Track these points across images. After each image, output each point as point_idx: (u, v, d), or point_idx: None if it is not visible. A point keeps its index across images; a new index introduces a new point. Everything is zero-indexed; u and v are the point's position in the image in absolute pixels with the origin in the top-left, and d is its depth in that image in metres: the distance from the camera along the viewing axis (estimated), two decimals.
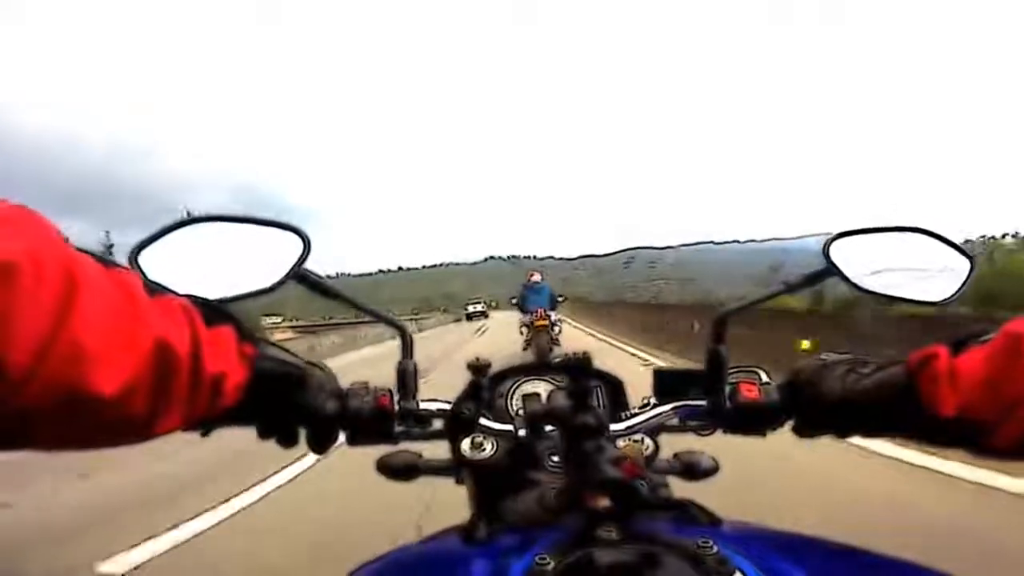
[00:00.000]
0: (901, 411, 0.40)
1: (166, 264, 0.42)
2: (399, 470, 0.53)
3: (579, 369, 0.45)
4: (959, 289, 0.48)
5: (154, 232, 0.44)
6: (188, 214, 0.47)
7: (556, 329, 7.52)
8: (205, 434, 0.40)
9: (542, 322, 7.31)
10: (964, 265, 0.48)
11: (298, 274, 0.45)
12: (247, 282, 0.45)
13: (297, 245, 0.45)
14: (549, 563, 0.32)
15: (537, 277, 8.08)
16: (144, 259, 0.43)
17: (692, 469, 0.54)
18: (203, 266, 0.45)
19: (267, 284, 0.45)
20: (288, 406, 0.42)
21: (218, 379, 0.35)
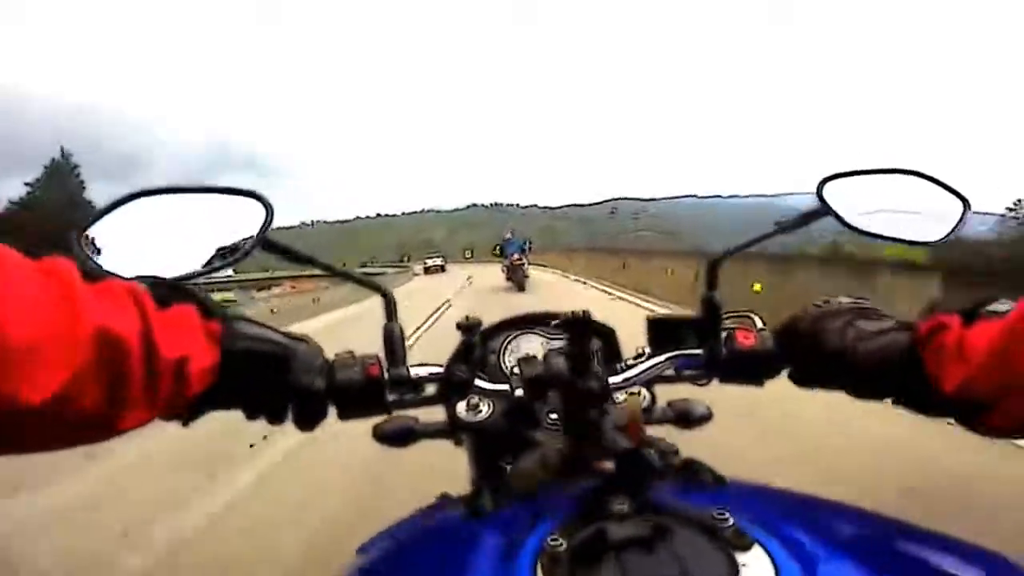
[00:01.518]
0: (901, 378, 0.39)
1: (115, 246, 0.40)
2: (396, 436, 0.52)
3: (578, 327, 0.43)
4: (952, 230, 0.48)
5: (96, 212, 0.41)
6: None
7: (526, 266, 11.71)
8: (186, 423, 0.38)
9: (518, 261, 11.46)
10: (957, 207, 0.48)
11: (264, 241, 0.42)
12: (208, 256, 0.42)
13: (259, 212, 0.42)
14: (561, 544, 0.30)
15: (509, 235, 13.01)
16: (88, 243, 0.40)
17: (686, 417, 0.54)
18: (157, 243, 0.42)
19: (231, 256, 0.42)
20: (271, 385, 0.40)
21: (181, 364, 0.33)
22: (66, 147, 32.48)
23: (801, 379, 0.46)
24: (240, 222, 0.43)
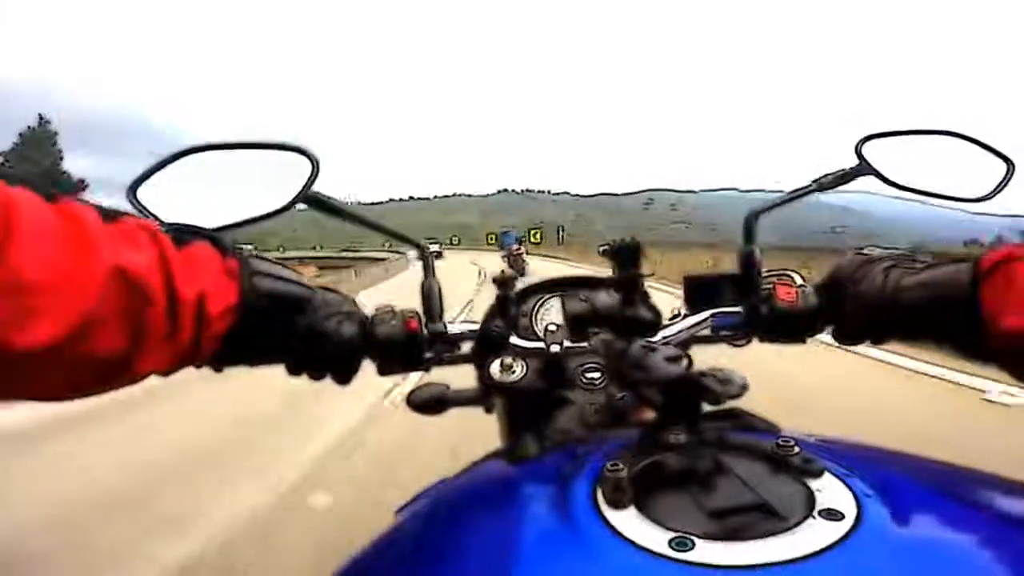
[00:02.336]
0: (953, 317, 0.36)
1: (167, 198, 0.41)
2: (429, 404, 0.51)
3: (627, 256, 0.41)
4: (996, 189, 0.47)
5: (151, 166, 0.42)
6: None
7: (524, 253, 14.31)
8: (218, 368, 0.38)
9: (517, 251, 14.24)
10: (1001, 167, 0.47)
11: (307, 196, 0.43)
12: (254, 208, 0.43)
13: (305, 166, 0.43)
14: (622, 468, 0.28)
15: (508, 230, 16.73)
16: (143, 194, 0.41)
17: (726, 385, 0.50)
18: (206, 196, 0.44)
19: (275, 207, 0.43)
20: (297, 328, 0.40)
21: (200, 302, 0.33)
22: (45, 114, 31.00)
23: (845, 334, 0.44)
24: (287, 177, 0.43)
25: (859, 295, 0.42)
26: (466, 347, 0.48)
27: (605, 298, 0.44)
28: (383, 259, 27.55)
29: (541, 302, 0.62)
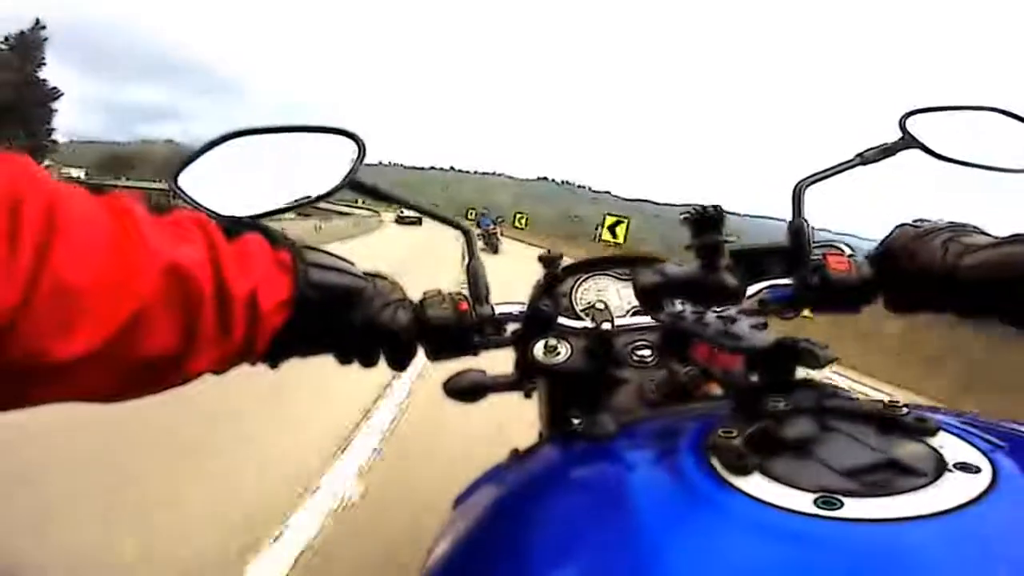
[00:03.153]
0: (1016, 296, 0.37)
1: (210, 183, 0.41)
2: (467, 391, 0.50)
3: (709, 222, 0.39)
4: None
5: (194, 152, 0.42)
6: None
7: (499, 234, 17.05)
8: (274, 365, 0.37)
9: (492, 231, 16.65)
10: None
11: (353, 181, 0.42)
12: (298, 193, 0.42)
13: (351, 150, 0.42)
14: (736, 435, 0.28)
15: (484, 210, 21.66)
16: (185, 181, 0.41)
17: None
18: (251, 181, 0.43)
19: (321, 192, 0.42)
20: (351, 320, 0.39)
21: (253, 297, 0.31)
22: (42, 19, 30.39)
23: (899, 304, 0.44)
24: (333, 160, 0.42)
25: (916, 267, 0.42)
26: (510, 330, 0.46)
27: (677, 269, 0.41)
28: (349, 214, 25.14)
29: (579, 282, 0.61)
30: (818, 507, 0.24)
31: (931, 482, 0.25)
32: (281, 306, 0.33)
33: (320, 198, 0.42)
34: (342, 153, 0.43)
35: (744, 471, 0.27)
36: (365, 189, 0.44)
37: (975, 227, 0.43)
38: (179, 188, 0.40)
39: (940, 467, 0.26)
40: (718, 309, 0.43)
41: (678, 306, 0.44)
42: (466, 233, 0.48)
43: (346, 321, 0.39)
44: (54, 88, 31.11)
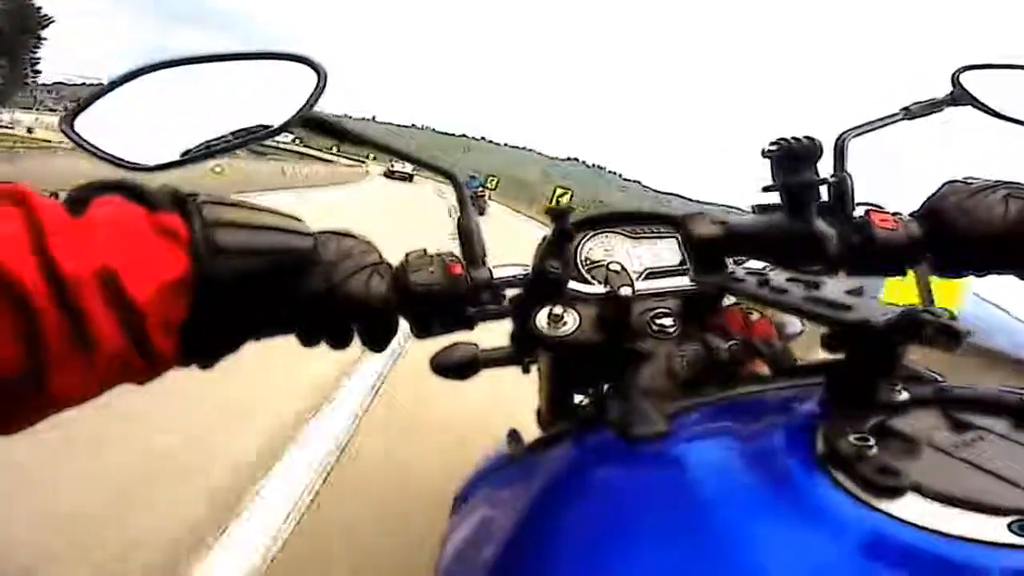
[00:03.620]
0: None
1: (121, 125, 0.33)
2: (457, 367, 0.44)
3: (800, 158, 0.32)
4: None
5: (98, 89, 0.34)
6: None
7: (487, 196, 17.47)
8: (205, 365, 0.30)
9: (480, 193, 16.34)
10: None
11: (308, 116, 0.35)
12: (236, 131, 0.34)
13: (308, 80, 0.35)
14: (870, 441, 0.23)
15: (473, 174, 19.83)
16: (87, 122, 0.33)
17: (779, 331, 0.47)
18: (180, 120, 0.35)
19: (263, 129, 0.34)
20: (308, 294, 0.32)
21: (109, 281, 0.23)
22: None
23: (949, 265, 0.42)
24: (283, 93, 0.35)
25: (974, 225, 0.39)
26: (508, 296, 0.41)
27: (745, 219, 0.35)
28: (330, 160, 20.91)
29: (583, 240, 0.51)
30: (1017, 534, 0.19)
31: None
32: (171, 288, 0.25)
33: (262, 137, 0.34)
34: (297, 84, 0.35)
35: (898, 492, 0.21)
36: (324, 127, 0.36)
37: None
38: (74, 131, 0.32)
39: None
40: (787, 271, 0.36)
41: (730, 266, 0.37)
42: (454, 180, 0.41)
43: (298, 293, 0.32)
44: (45, 15, 26.81)
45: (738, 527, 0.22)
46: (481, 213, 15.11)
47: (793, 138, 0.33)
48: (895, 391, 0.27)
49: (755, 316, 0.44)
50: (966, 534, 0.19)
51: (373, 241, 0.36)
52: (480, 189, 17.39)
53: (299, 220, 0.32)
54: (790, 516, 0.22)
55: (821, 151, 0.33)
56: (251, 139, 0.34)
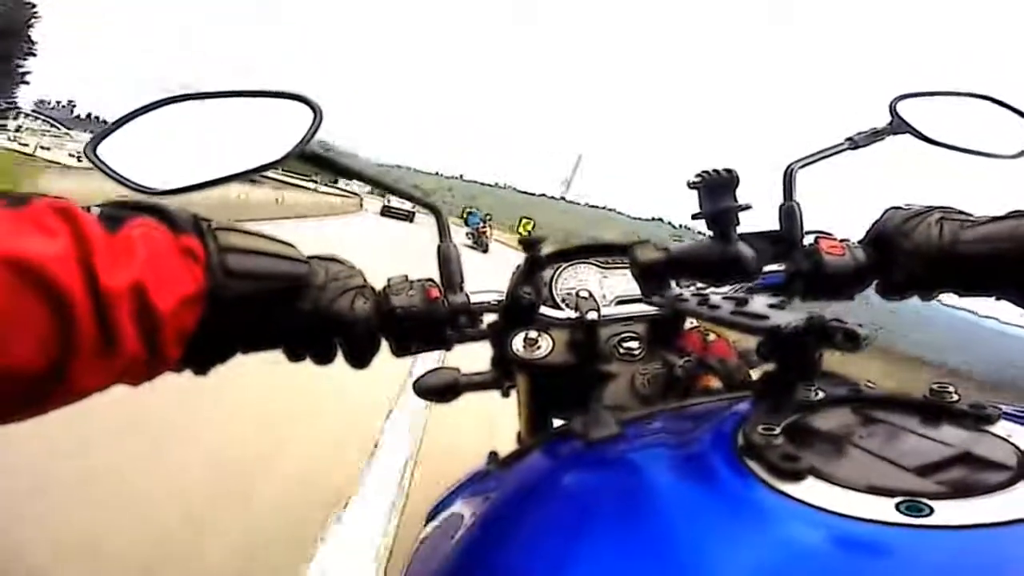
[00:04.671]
0: (1017, 269, 0.37)
1: (137, 153, 0.37)
2: (440, 390, 0.46)
3: (721, 187, 0.35)
4: None
5: (115, 121, 0.37)
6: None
7: (489, 233, 17.00)
8: (200, 372, 0.33)
9: (482, 229, 16.55)
10: None
11: (305, 151, 0.37)
12: (241, 162, 0.37)
13: (305, 117, 0.38)
14: (777, 431, 0.25)
15: (473, 209, 19.22)
16: (108, 150, 0.36)
17: (746, 355, 0.48)
18: (187, 151, 0.39)
19: (264, 161, 0.37)
20: (300, 314, 0.35)
21: (140, 294, 0.27)
22: None
23: (893, 287, 0.44)
24: (283, 128, 0.38)
25: (912, 248, 0.41)
26: (487, 320, 0.43)
27: (682, 245, 0.38)
28: (323, 191, 17.93)
29: (559, 270, 0.57)
30: (903, 513, 0.20)
31: (1021, 476, 0.21)
32: (187, 302, 0.29)
33: (264, 168, 0.37)
34: (295, 121, 0.38)
35: (797, 476, 0.23)
36: (320, 160, 0.40)
37: (961, 210, 0.43)
38: (96, 157, 0.36)
39: (1022, 458, 0.23)
40: (724, 290, 0.41)
41: (676, 288, 0.40)
42: (436, 213, 0.44)
43: (290, 313, 0.35)
44: (30, 4, 22.15)
45: (669, 514, 0.24)
46: (484, 250, 14.85)
47: (714, 170, 0.36)
48: (812, 392, 0.29)
49: (712, 337, 0.47)
50: (857, 514, 0.21)
51: (357, 266, 0.40)
52: (481, 225, 17.28)
53: (294, 247, 0.36)
54: (711, 501, 0.24)
55: (737, 181, 0.36)
56: (252, 171, 0.37)
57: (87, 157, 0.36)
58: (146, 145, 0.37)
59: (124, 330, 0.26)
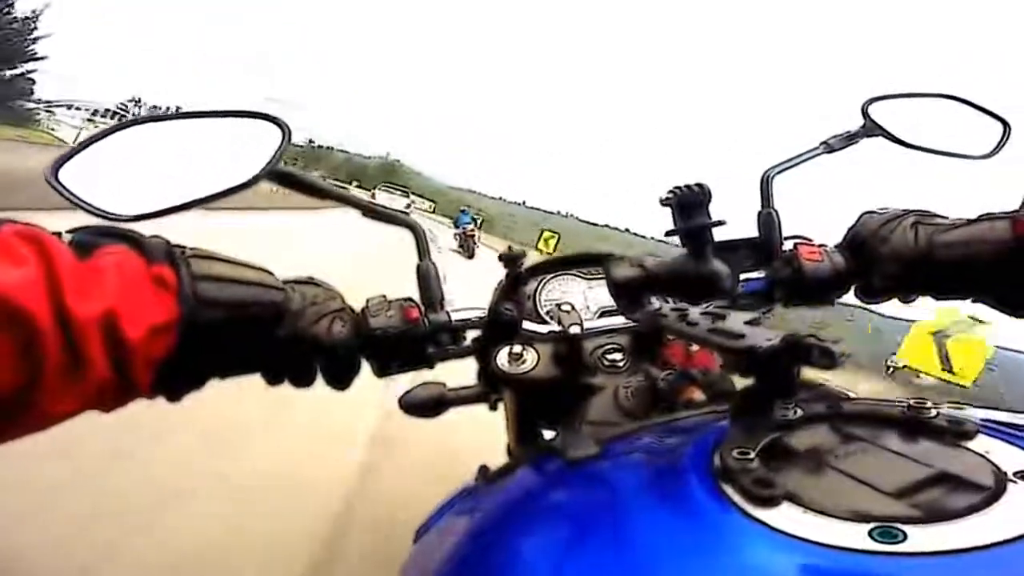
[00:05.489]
0: (994, 273, 0.37)
1: (101, 177, 0.35)
2: (426, 406, 0.46)
3: (694, 203, 0.35)
4: (996, 147, 0.49)
5: (79, 143, 0.37)
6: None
7: (477, 236, 13.82)
8: (173, 399, 0.33)
9: (470, 232, 13.37)
10: (998, 128, 0.49)
11: (274, 171, 0.37)
12: (206, 186, 0.36)
13: (273, 136, 0.38)
14: (751, 456, 0.24)
15: (465, 209, 16.90)
16: (69, 174, 0.35)
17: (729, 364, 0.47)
18: (153, 174, 0.38)
19: (232, 184, 0.36)
20: (278, 339, 0.35)
21: (109, 322, 0.27)
22: None
23: (872, 291, 0.44)
24: (250, 149, 0.37)
25: (889, 252, 0.42)
26: (470, 337, 0.43)
27: (657, 261, 0.38)
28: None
29: (542, 283, 0.57)
30: (876, 540, 0.20)
31: (995, 497, 0.21)
32: (158, 331, 0.29)
33: (233, 191, 0.36)
34: (263, 141, 0.38)
35: (772, 501, 0.22)
36: (289, 179, 0.40)
37: (934, 213, 0.43)
38: (58, 183, 0.34)
39: (999, 478, 0.22)
40: (702, 305, 0.40)
41: (655, 303, 0.40)
42: (414, 230, 0.44)
43: (266, 339, 0.35)
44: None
45: (641, 539, 0.24)
46: (470, 256, 12.20)
47: (685, 186, 0.35)
48: (790, 410, 0.29)
49: (694, 347, 0.47)
50: (830, 541, 0.20)
51: (335, 288, 0.40)
52: (470, 227, 13.90)
53: (271, 273, 0.36)
54: (684, 527, 0.24)
55: (710, 196, 0.35)
56: (221, 194, 0.36)
57: (48, 182, 0.34)
58: (110, 169, 0.36)
59: (93, 357, 0.26)
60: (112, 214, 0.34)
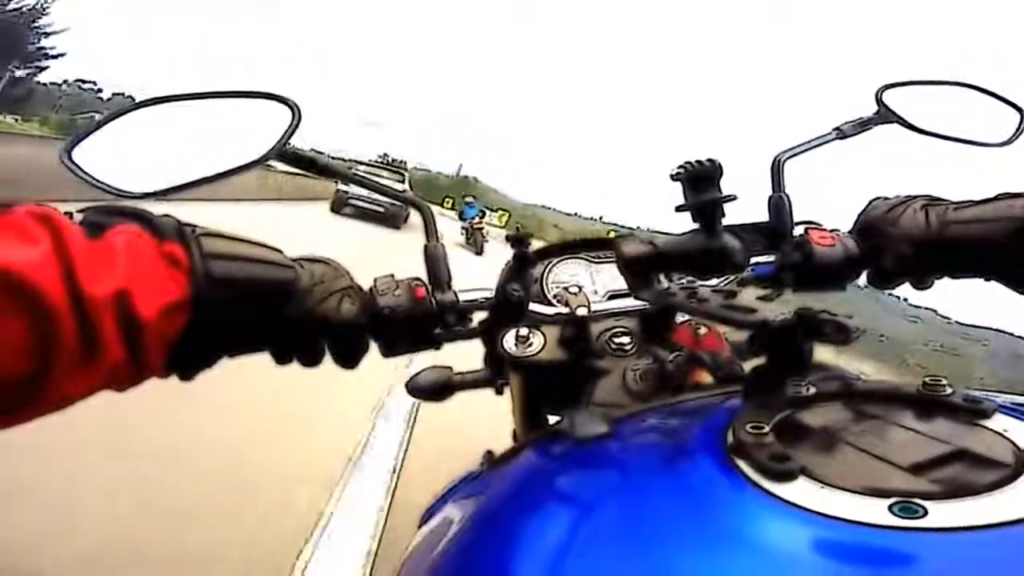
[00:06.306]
0: (1009, 252, 0.37)
1: (113, 157, 0.36)
2: (433, 389, 0.46)
3: (705, 178, 0.34)
4: (1015, 134, 0.49)
5: (92, 124, 0.37)
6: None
7: (486, 230, 12.32)
8: (186, 377, 0.33)
9: (478, 225, 12.10)
10: (1014, 115, 0.49)
11: (284, 150, 0.38)
12: (219, 163, 0.37)
13: (283, 116, 0.38)
14: (766, 430, 0.24)
15: (471, 200, 14.68)
16: (82, 155, 0.36)
17: (737, 347, 0.47)
18: (164, 153, 0.38)
19: (242, 162, 0.37)
20: (287, 318, 0.35)
21: (123, 302, 0.27)
22: None
23: (886, 276, 0.44)
24: (260, 129, 0.38)
25: (900, 234, 0.42)
26: (477, 319, 0.43)
27: (668, 238, 0.37)
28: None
29: (550, 266, 0.56)
30: (896, 515, 0.20)
31: (1016, 474, 0.21)
32: (170, 310, 0.29)
33: (242, 168, 0.37)
34: (274, 121, 0.38)
35: (788, 476, 0.22)
36: (297, 160, 0.40)
37: (942, 197, 0.43)
38: (72, 162, 0.35)
39: (1019, 456, 0.22)
40: (712, 283, 0.40)
41: (664, 282, 0.39)
42: (422, 211, 0.44)
43: (276, 318, 0.35)
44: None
45: (656, 516, 0.24)
46: (479, 252, 11.13)
47: (696, 161, 0.35)
48: (803, 387, 0.29)
49: (703, 330, 0.47)
50: (849, 516, 0.20)
51: (344, 266, 0.40)
52: (477, 220, 12.45)
53: (280, 251, 0.36)
54: (699, 502, 0.24)
55: (721, 171, 0.35)
56: (231, 172, 0.37)
57: (62, 162, 0.35)
58: (123, 149, 0.37)
59: (106, 337, 0.26)
60: (124, 191, 0.34)
